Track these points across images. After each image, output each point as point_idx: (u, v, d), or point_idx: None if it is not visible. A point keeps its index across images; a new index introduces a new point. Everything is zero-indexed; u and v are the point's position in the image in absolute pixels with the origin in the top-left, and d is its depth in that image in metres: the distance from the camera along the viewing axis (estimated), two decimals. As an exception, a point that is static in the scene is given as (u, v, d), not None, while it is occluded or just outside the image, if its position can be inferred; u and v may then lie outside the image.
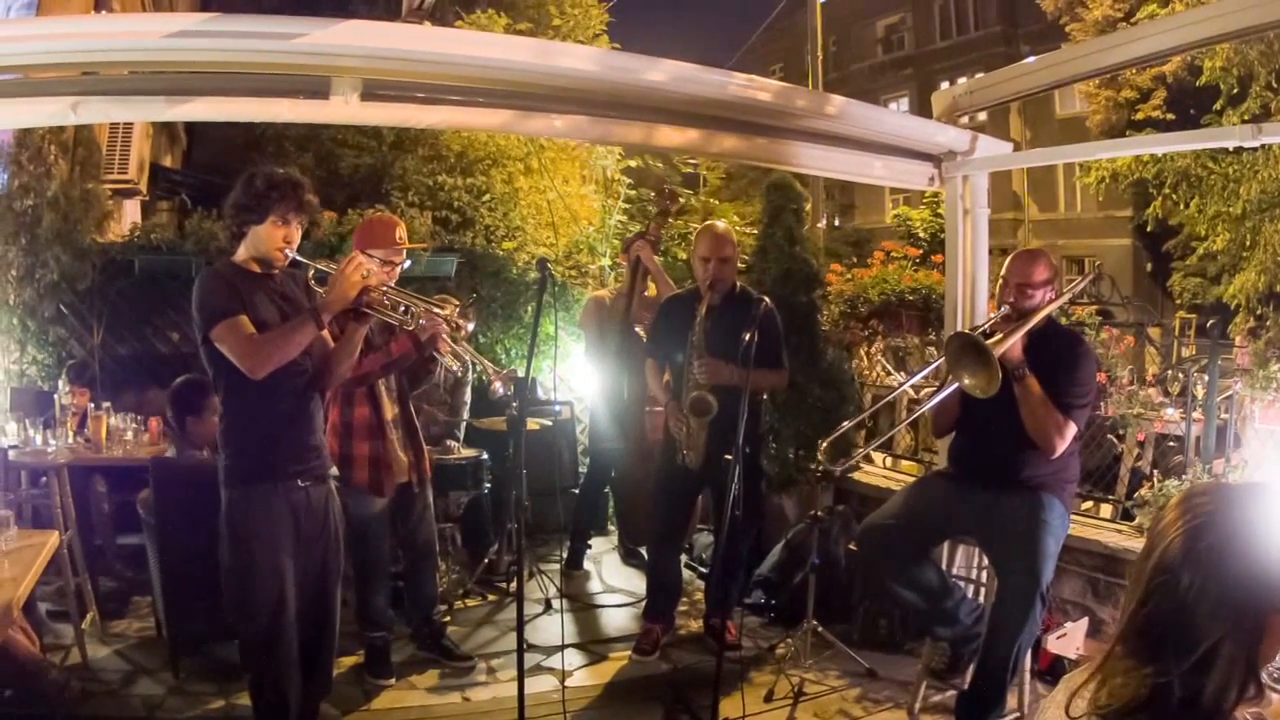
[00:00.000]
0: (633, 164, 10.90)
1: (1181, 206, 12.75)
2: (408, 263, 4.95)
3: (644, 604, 5.77)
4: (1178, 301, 18.10)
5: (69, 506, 5.38)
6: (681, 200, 7.66)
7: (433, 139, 11.19)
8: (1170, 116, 19.96)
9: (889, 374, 8.03)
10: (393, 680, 5.02)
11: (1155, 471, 5.97)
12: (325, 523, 3.96)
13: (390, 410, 4.99)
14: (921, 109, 6.87)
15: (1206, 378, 5.91)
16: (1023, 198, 29.33)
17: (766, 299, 4.82)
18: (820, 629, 5.41)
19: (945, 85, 6.32)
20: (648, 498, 6.30)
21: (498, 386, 4.33)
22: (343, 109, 4.46)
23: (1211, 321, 11.12)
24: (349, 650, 5.18)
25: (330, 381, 4.03)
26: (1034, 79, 5.55)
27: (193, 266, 7.33)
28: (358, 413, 4.90)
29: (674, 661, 5.45)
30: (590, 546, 7.34)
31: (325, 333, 3.87)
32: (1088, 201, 27.02)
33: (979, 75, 6.07)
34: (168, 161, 15.83)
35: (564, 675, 5.13)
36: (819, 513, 5.77)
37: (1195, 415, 5.64)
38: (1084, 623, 5.05)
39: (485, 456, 6.60)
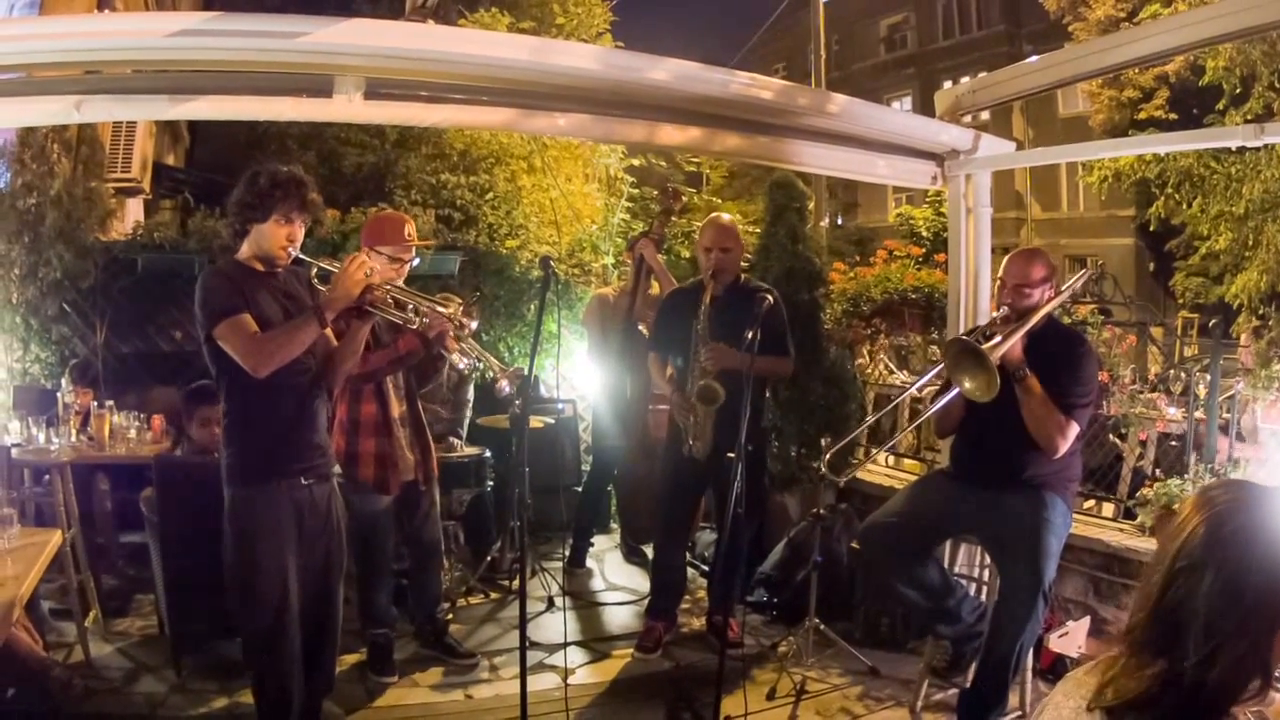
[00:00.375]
0: (635, 162, 10.89)
1: (1184, 206, 12.72)
2: (416, 260, 4.95)
3: (646, 602, 5.78)
4: (1180, 301, 18.03)
5: (72, 505, 5.39)
6: (684, 199, 7.65)
7: (436, 137, 11.19)
8: (1173, 116, 19.90)
9: (891, 372, 8.02)
10: (395, 678, 5.02)
11: (1157, 471, 5.97)
12: (328, 521, 3.97)
13: (397, 408, 4.98)
14: (924, 108, 6.88)
15: (1209, 377, 5.91)
16: (1025, 197, 29.30)
17: (772, 292, 4.83)
18: (822, 627, 5.41)
19: (948, 84, 6.32)
20: (650, 496, 6.31)
21: (503, 385, 4.34)
22: (346, 107, 4.46)
23: (1214, 321, 11.09)
24: (351, 648, 5.18)
25: (334, 380, 4.04)
26: (1037, 78, 5.55)
27: (195, 265, 7.33)
28: (365, 410, 4.90)
29: (676, 659, 5.45)
30: (593, 544, 7.34)
31: (328, 331, 3.87)
32: (1090, 201, 26.98)
33: (982, 74, 6.06)
34: (171, 160, 15.84)
35: (566, 673, 5.13)
36: (821, 511, 5.77)
37: (1197, 415, 5.64)
38: (1086, 621, 5.06)
39: (488, 454, 6.61)
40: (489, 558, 6.61)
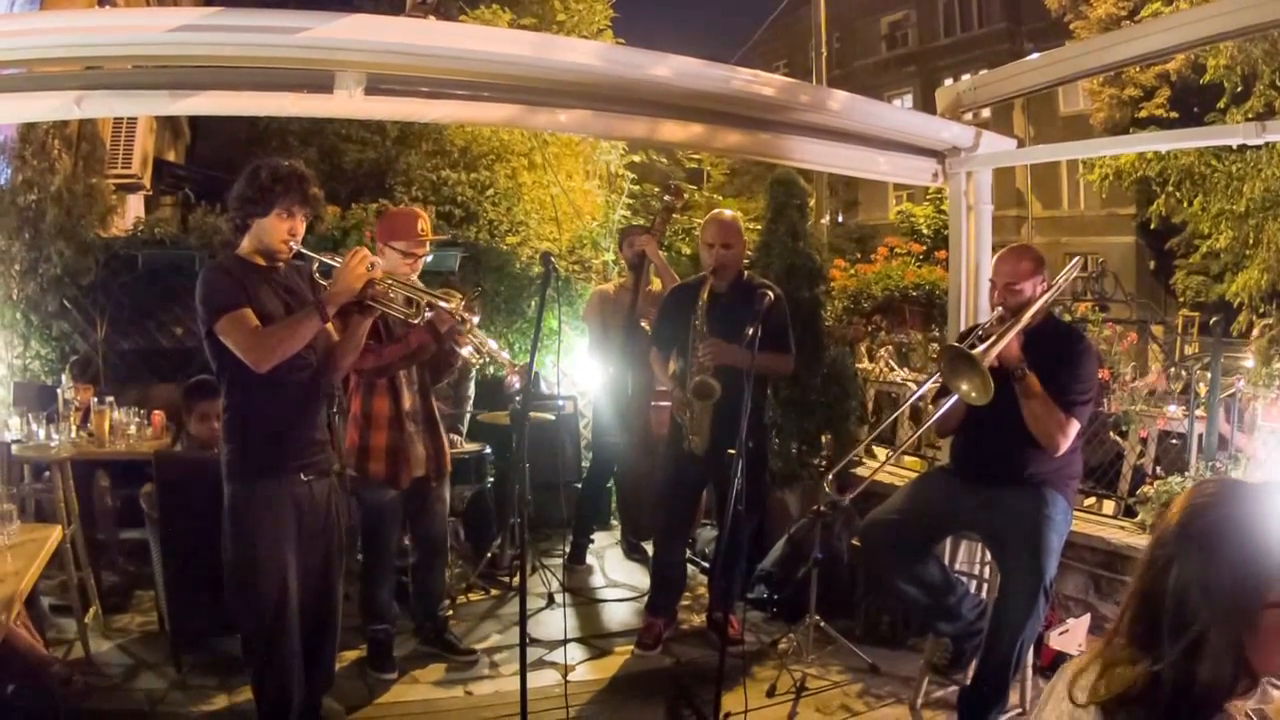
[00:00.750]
0: (636, 159, 10.90)
1: (1185, 204, 12.69)
2: (429, 257, 4.95)
3: (646, 598, 5.77)
4: (1180, 299, 18.03)
5: (72, 501, 5.38)
6: (685, 196, 7.66)
7: (436, 134, 11.21)
8: (1174, 115, 19.91)
9: (892, 370, 8.02)
10: (395, 674, 5.02)
11: (1158, 469, 5.98)
12: (327, 517, 3.98)
13: (410, 402, 4.97)
14: (925, 106, 6.88)
15: (1210, 375, 5.91)
16: (1026, 195, 29.28)
17: (774, 288, 4.82)
18: (822, 624, 5.40)
19: (949, 82, 6.32)
20: (651, 492, 6.31)
21: (513, 380, 4.34)
22: (346, 103, 4.45)
23: (1214, 319, 11.09)
24: (351, 644, 5.19)
25: (335, 375, 4.04)
26: (1038, 75, 5.55)
27: (196, 261, 7.35)
28: (377, 404, 4.91)
29: (676, 656, 5.45)
30: (593, 541, 7.34)
31: (330, 326, 3.87)
32: (1091, 199, 26.98)
33: (983, 72, 6.06)
34: (171, 156, 15.86)
35: (566, 669, 5.14)
36: (821, 508, 5.77)
37: (1198, 413, 5.64)
38: (1086, 619, 5.05)
39: (488, 451, 6.62)
40: (489, 554, 6.62)
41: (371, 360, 4.71)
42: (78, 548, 5.31)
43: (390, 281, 3.90)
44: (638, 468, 6.92)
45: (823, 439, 7.10)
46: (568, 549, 7.07)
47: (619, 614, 6.17)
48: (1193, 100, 16.92)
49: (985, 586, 4.98)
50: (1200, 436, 5.54)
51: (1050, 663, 4.95)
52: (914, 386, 6.74)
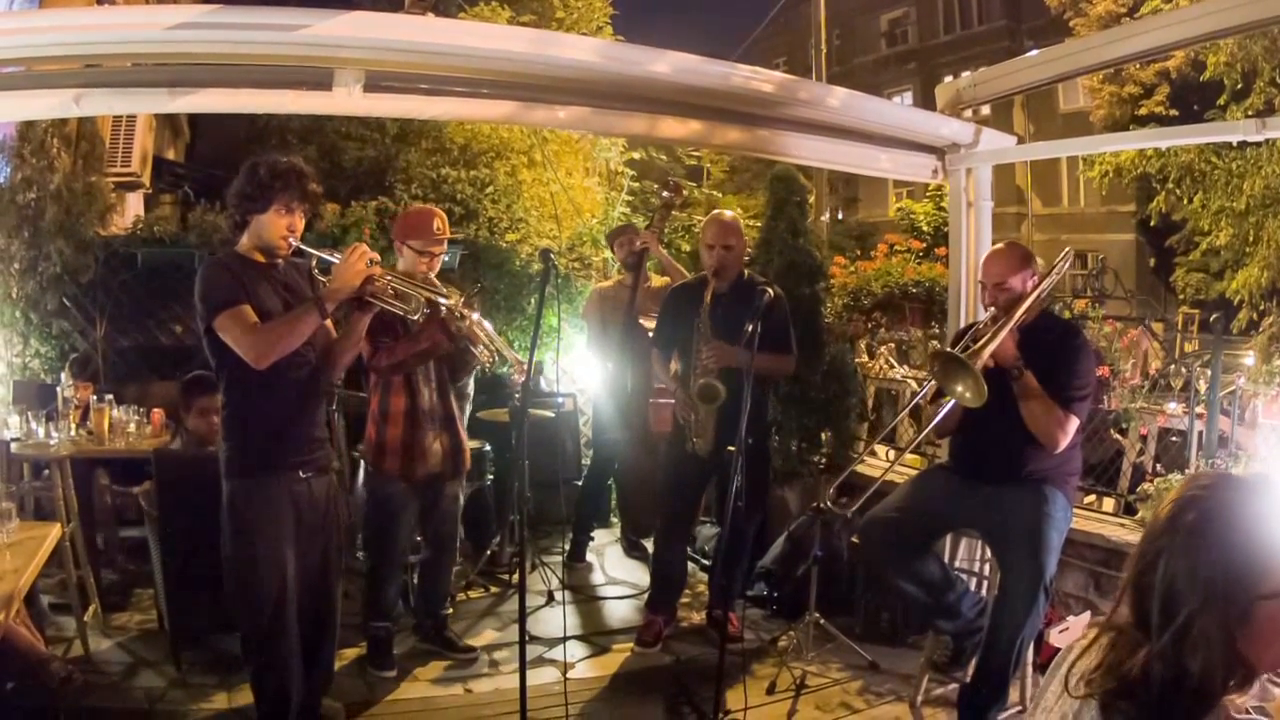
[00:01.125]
0: (636, 156, 10.90)
1: (1185, 202, 12.73)
2: (446, 255, 4.95)
3: (646, 596, 5.77)
4: (1180, 297, 18.08)
5: (71, 499, 5.38)
6: (685, 192, 7.65)
7: (436, 132, 11.21)
8: (1173, 112, 19.93)
9: (892, 367, 8.02)
10: (394, 672, 5.01)
11: (1158, 466, 5.97)
12: (327, 515, 3.97)
13: (427, 400, 4.99)
14: (925, 103, 6.88)
15: (1209, 372, 5.91)
16: (1026, 192, 29.29)
17: (774, 287, 4.82)
18: (822, 621, 5.40)
19: (949, 79, 6.31)
20: (651, 490, 6.30)
21: (518, 378, 4.35)
22: (346, 100, 4.45)
23: (1215, 316, 11.10)
24: (351, 642, 5.19)
25: (334, 373, 4.05)
26: (1037, 72, 5.54)
27: (195, 259, 7.35)
28: (394, 401, 4.93)
29: (676, 653, 5.44)
30: (593, 538, 7.34)
31: (329, 323, 3.87)
32: (1091, 196, 26.97)
33: (983, 69, 6.06)
34: (171, 154, 15.86)
35: (566, 667, 5.13)
36: (821, 505, 5.76)
37: (1198, 410, 5.64)
38: (1086, 616, 5.02)
39: (488, 448, 6.61)
40: (489, 552, 6.62)
41: (385, 358, 4.76)
42: (77, 546, 5.30)
43: (389, 278, 3.90)
44: (638, 465, 6.92)
45: (823, 436, 7.10)
46: (567, 546, 7.07)
47: (619, 611, 6.17)
48: (1192, 97, 16.93)
49: (985, 584, 4.98)
50: (1200, 433, 5.53)
51: (1050, 659, 4.95)
52: (914, 384, 6.74)
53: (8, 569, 3.59)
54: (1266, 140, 6.50)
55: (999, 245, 4.61)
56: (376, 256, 3.79)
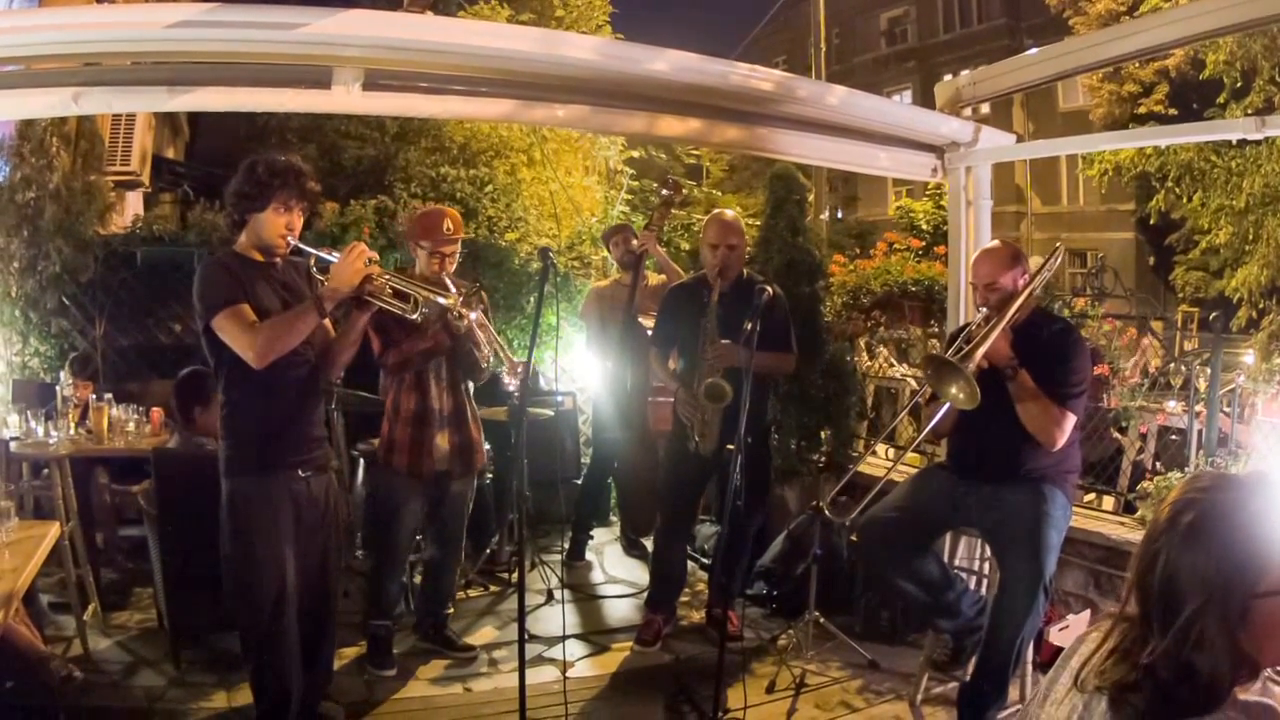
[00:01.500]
0: (635, 155, 10.90)
1: (1184, 200, 12.71)
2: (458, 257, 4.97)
3: (646, 594, 5.77)
4: (1180, 295, 18.07)
5: (70, 498, 5.38)
6: (684, 191, 7.66)
7: (436, 130, 11.20)
8: (1173, 111, 19.92)
9: (892, 365, 8.01)
10: (394, 671, 5.01)
11: (1158, 464, 5.97)
12: (326, 514, 3.97)
13: (438, 399, 5.00)
14: (925, 102, 6.87)
15: (1209, 371, 5.90)
16: (1025, 190, 29.29)
17: (773, 285, 4.81)
18: (822, 620, 5.40)
19: (948, 78, 6.30)
20: (650, 488, 6.29)
21: (509, 379, 4.36)
22: (345, 99, 4.45)
23: (1214, 315, 11.09)
24: (351, 641, 5.20)
25: (333, 371, 4.05)
26: (1037, 70, 5.54)
27: (195, 258, 7.34)
28: (404, 398, 4.96)
29: (676, 652, 5.44)
30: (592, 537, 7.35)
31: (327, 322, 3.87)
32: (1090, 195, 26.97)
33: (982, 67, 6.05)
34: (170, 153, 15.87)
35: (565, 666, 5.13)
36: (820, 505, 5.76)
37: (1198, 408, 5.64)
38: (1086, 615, 5.06)
39: (487, 447, 6.60)
40: (488, 551, 6.63)
41: (393, 355, 4.79)
42: (76, 545, 5.31)
43: (388, 277, 3.89)
44: (637, 464, 6.91)
45: (822, 435, 7.10)
46: (567, 545, 7.08)
47: (618, 610, 6.17)
48: (1192, 96, 16.91)
49: (985, 582, 4.98)
50: (1200, 432, 5.53)
51: (1050, 658, 4.95)
52: (913, 382, 6.74)
53: (7, 568, 3.58)
54: (1266, 138, 6.49)
55: (987, 245, 4.61)
56: (375, 255, 3.79)
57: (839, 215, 30.99)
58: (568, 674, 5.00)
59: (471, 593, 6.31)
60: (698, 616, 5.97)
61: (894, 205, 26.57)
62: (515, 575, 6.01)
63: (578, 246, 9.04)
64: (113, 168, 11.04)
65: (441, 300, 4.09)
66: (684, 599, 5.98)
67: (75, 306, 7.64)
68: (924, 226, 19.09)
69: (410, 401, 4.95)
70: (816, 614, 5.37)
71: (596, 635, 5.71)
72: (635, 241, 6.60)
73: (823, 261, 7.42)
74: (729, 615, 5.32)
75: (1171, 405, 6.05)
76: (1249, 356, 10.32)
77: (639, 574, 6.71)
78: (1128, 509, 5.62)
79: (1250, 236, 11.81)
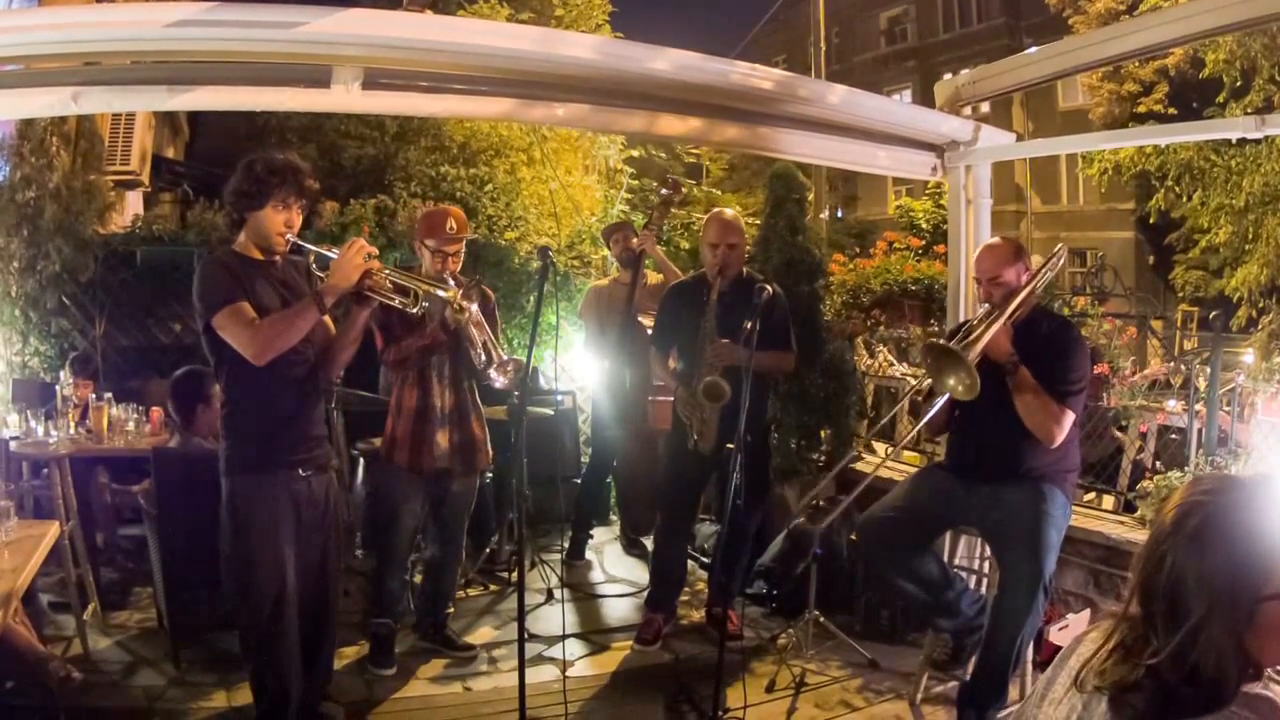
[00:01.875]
0: (635, 154, 10.90)
1: (1184, 199, 12.72)
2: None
3: (646, 593, 5.77)
4: (1180, 295, 18.06)
5: (70, 497, 5.38)
6: (684, 190, 7.66)
7: (435, 130, 11.21)
8: (1172, 110, 19.92)
9: (891, 364, 8.02)
10: (394, 670, 5.01)
11: (1158, 463, 5.97)
12: (326, 513, 3.97)
13: (440, 396, 5.01)
14: (924, 101, 6.86)
15: (1209, 370, 5.90)
16: (1025, 190, 29.29)
17: (773, 285, 4.81)
18: (822, 619, 5.40)
19: (948, 77, 6.30)
20: (650, 487, 6.29)
21: (496, 378, 4.37)
22: (344, 98, 4.45)
23: (1214, 314, 11.10)
24: (351, 641, 5.20)
25: (334, 368, 4.05)
26: (1037, 69, 5.54)
27: (195, 257, 7.33)
28: (406, 395, 4.99)
29: (676, 651, 5.44)
30: (592, 536, 7.34)
31: (328, 320, 3.88)
32: (1090, 194, 26.98)
33: (982, 66, 6.05)
34: (170, 153, 15.87)
35: (565, 665, 5.14)
36: (820, 503, 5.76)
37: (1198, 408, 5.63)
38: (1086, 614, 5.06)
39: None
40: (487, 550, 6.62)
41: (393, 353, 4.83)
42: (76, 544, 5.30)
43: (387, 271, 3.89)
44: (637, 463, 6.92)
45: (822, 434, 7.10)
46: (566, 544, 7.07)
47: (618, 609, 6.17)
48: (1191, 95, 16.92)
49: (985, 582, 4.98)
50: (1200, 431, 5.53)
51: (1050, 657, 4.94)
52: (913, 381, 6.74)
53: (6, 567, 3.58)
54: (1265, 137, 6.48)
55: (991, 241, 4.62)
56: (374, 250, 3.79)
57: (839, 214, 31.00)
58: (567, 673, 5.01)
59: (471, 592, 6.31)
60: (697, 616, 5.97)
61: (894, 204, 26.60)
62: (515, 574, 6.00)
63: (577, 245, 9.04)
64: (112, 167, 11.04)
65: (441, 293, 4.10)
66: (684, 598, 5.98)
67: (75, 306, 7.64)
68: (924, 225, 19.11)
69: (412, 398, 4.97)
70: (816, 613, 5.37)
71: (596, 634, 5.71)
72: (635, 240, 6.60)
73: (822, 260, 7.42)
74: (729, 614, 5.32)
75: (1171, 404, 6.05)
76: (1249, 356, 10.33)
77: (639, 573, 6.71)
78: (1128, 508, 5.62)
79: (1250, 235, 11.81)
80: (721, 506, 5.15)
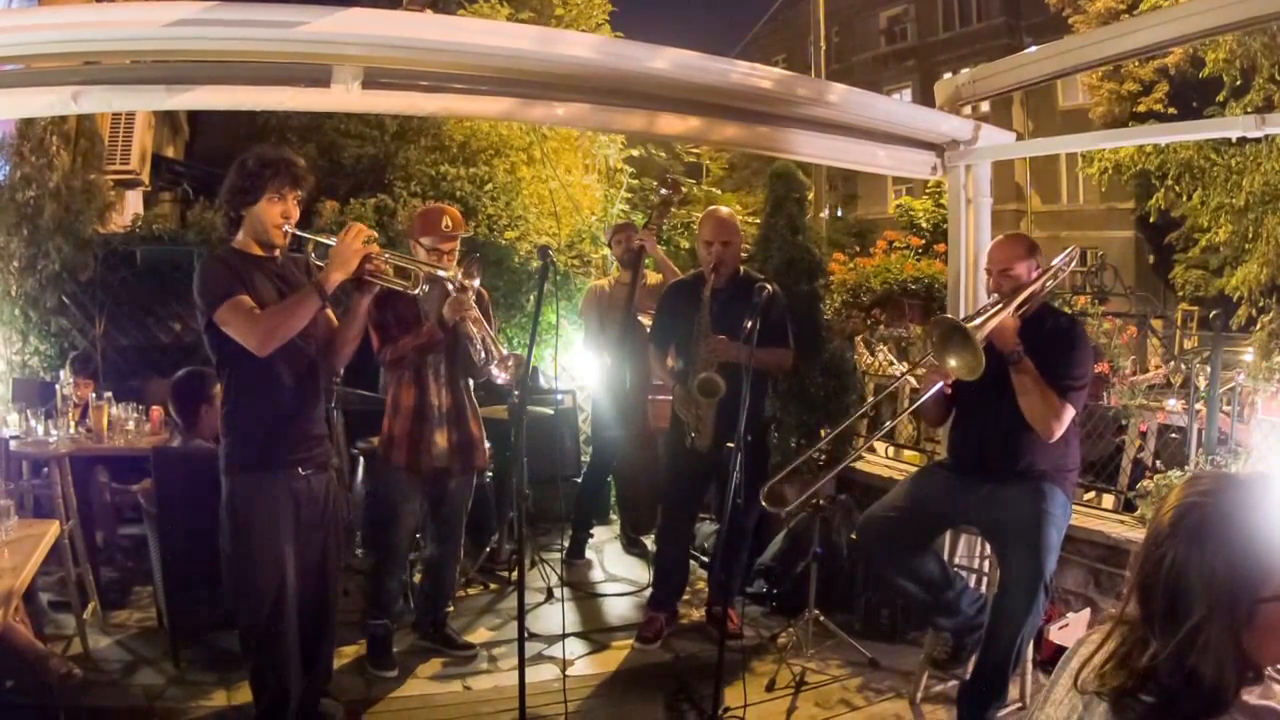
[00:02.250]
0: (635, 153, 10.90)
1: (1184, 198, 12.72)
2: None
3: (646, 592, 5.77)
4: (1180, 294, 18.06)
5: (70, 497, 5.38)
6: (684, 190, 7.66)
7: (435, 129, 11.20)
8: (1172, 109, 19.93)
9: (892, 363, 8.02)
10: (394, 670, 5.01)
11: (1158, 462, 5.97)
12: (326, 512, 3.97)
13: (437, 395, 5.02)
14: (924, 100, 6.86)
15: (1209, 369, 5.90)
16: (1025, 189, 29.31)
17: (771, 283, 4.81)
18: (822, 618, 5.41)
19: (948, 76, 6.30)
20: (650, 486, 6.29)
21: (497, 374, 4.37)
22: (344, 97, 4.45)
23: (1214, 313, 11.10)
24: (350, 640, 5.20)
25: (338, 361, 4.04)
26: (1037, 68, 5.53)
27: (194, 257, 7.34)
28: (403, 394, 4.99)
29: (675, 650, 5.44)
30: (592, 535, 7.34)
31: (330, 313, 3.88)
32: (1090, 193, 27.01)
33: (981, 65, 6.05)
34: (170, 152, 15.87)
35: (565, 664, 5.13)
36: (820, 502, 5.76)
37: (1198, 407, 5.64)
38: (1086, 613, 5.06)
39: (487, 445, 6.61)
40: (488, 549, 6.63)
41: (390, 352, 4.83)
42: (76, 543, 5.30)
43: (387, 255, 3.89)
44: (637, 462, 6.91)
45: (822, 433, 7.10)
46: (567, 543, 7.08)
47: (618, 609, 6.17)
48: (1191, 95, 16.92)
49: (985, 581, 4.98)
50: (1200, 430, 5.53)
51: (1050, 656, 4.95)
52: (913, 380, 6.73)
53: (6, 566, 3.59)
54: (1266, 136, 6.47)
55: (1007, 234, 4.65)
56: (374, 235, 3.79)
57: (839, 213, 31.01)
58: (567, 672, 5.00)
59: (471, 591, 6.31)
60: (698, 615, 5.97)
61: (894, 203, 26.63)
62: (515, 573, 6.01)
63: (577, 245, 9.05)
64: (112, 166, 11.04)
65: (441, 273, 4.12)
66: (684, 597, 5.97)
67: (75, 305, 7.64)
68: (924, 225, 19.14)
69: (409, 397, 4.97)
70: (816, 612, 5.37)
71: (596, 633, 5.71)
72: (635, 239, 6.60)
73: (822, 260, 7.43)
74: (729, 613, 5.31)
75: (1171, 403, 6.06)
76: (1249, 355, 10.33)
77: (639, 572, 6.71)
78: (1128, 507, 5.62)
79: (1250, 235, 11.81)
80: (721, 505, 5.15)
